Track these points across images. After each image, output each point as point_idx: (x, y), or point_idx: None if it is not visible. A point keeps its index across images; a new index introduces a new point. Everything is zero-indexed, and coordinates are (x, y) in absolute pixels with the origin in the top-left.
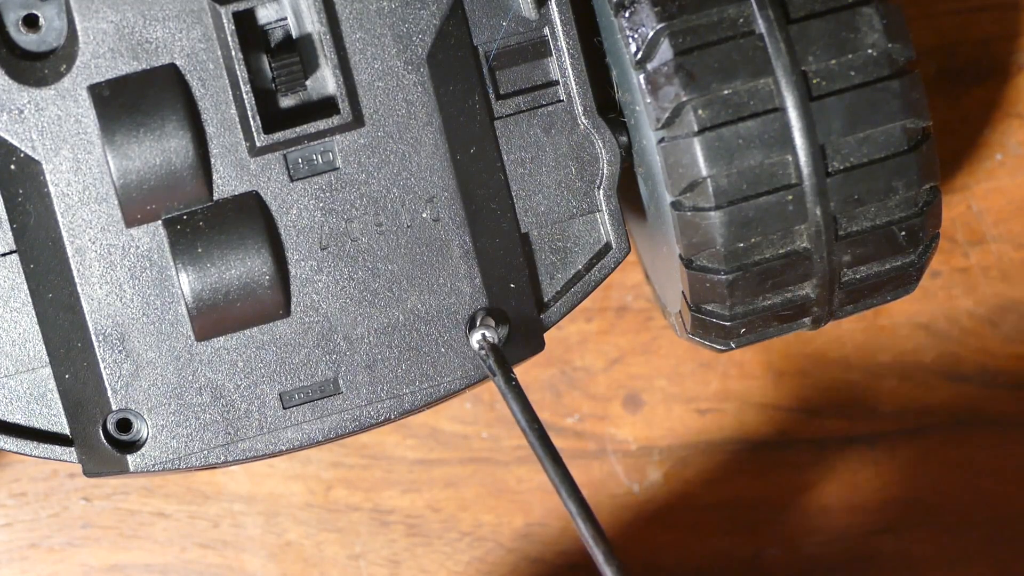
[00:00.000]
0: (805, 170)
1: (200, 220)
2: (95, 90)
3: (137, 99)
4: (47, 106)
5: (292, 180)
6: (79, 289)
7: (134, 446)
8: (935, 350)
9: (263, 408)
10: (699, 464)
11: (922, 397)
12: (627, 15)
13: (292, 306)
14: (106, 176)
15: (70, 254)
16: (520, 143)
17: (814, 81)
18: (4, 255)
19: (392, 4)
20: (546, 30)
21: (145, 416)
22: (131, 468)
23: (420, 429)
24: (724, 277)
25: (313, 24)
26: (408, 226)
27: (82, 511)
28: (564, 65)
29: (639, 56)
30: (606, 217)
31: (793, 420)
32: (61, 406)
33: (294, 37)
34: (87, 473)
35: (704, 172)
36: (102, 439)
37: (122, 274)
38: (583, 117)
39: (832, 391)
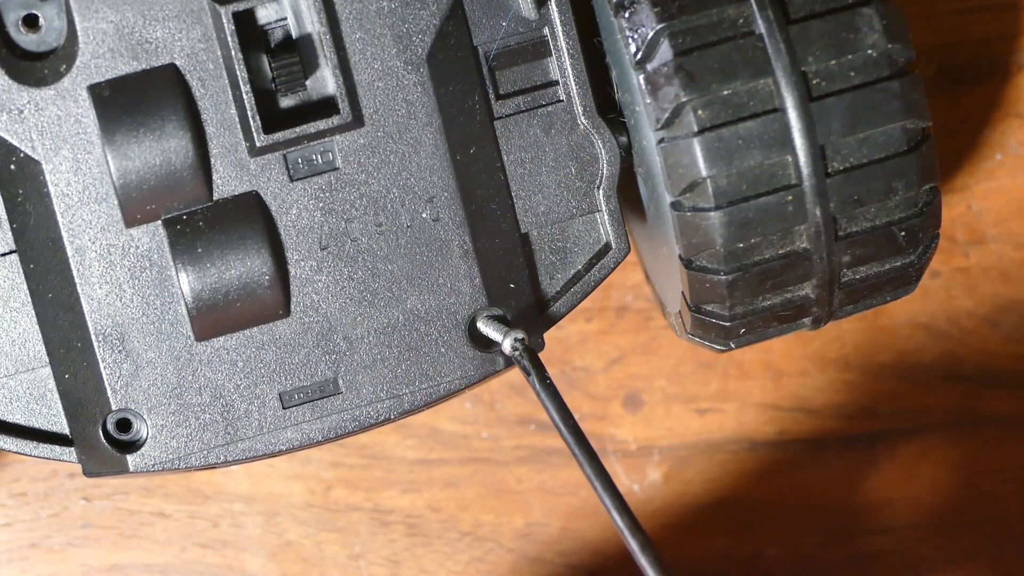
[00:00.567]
0: (805, 171)
1: (200, 220)
2: (95, 90)
3: (137, 99)
4: (47, 106)
5: (292, 180)
6: (79, 289)
7: (134, 446)
8: (935, 350)
9: (263, 408)
10: (699, 464)
11: (922, 397)
12: (627, 15)
13: (292, 306)
14: (106, 176)
15: (70, 254)
16: (520, 143)
17: (814, 82)
18: (4, 255)
19: (392, 4)
20: (546, 30)
21: (145, 416)
22: (131, 468)
23: (420, 429)
24: (724, 277)
25: (313, 24)
26: (408, 226)
27: (82, 511)
28: (564, 65)
29: (639, 56)
30: (606, 217)
31: (793, 420)
32: (61, 406)
33: (294, 37)
34: (87, 473)
35: (704, 172)
36: (102, 439)
37: (122, 274)
38: (583, 117)
39: (832, 391)
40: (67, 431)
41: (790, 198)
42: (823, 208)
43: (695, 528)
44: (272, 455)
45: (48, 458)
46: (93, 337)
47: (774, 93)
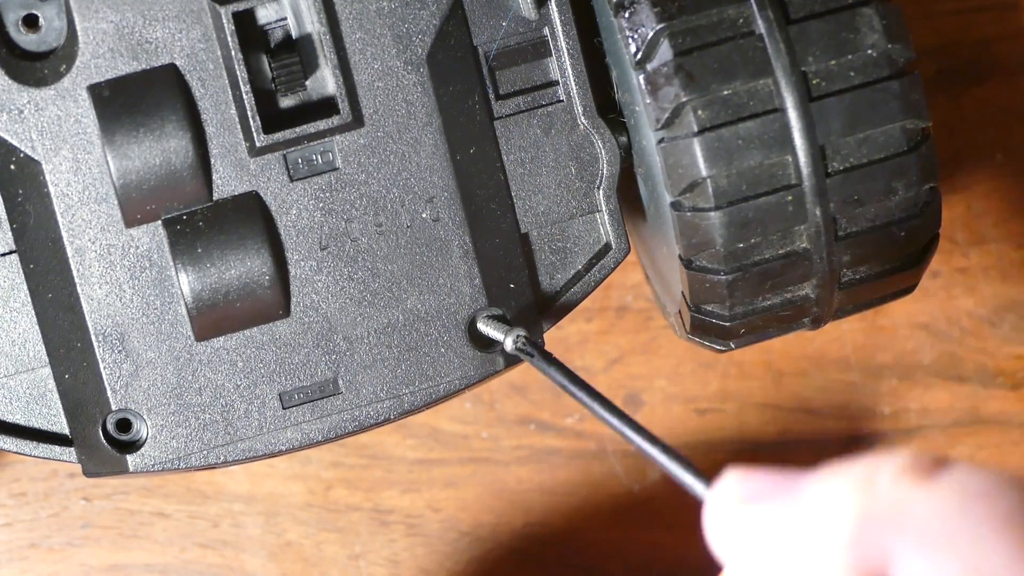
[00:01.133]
0: (805, 171)
1: (200, 220)
2: (95, 90)
3: (137, 99)
4: (47, 106)
5: (292, 180)
6: (79, 289)
7: (134, 446)
8: (935, 350)
9: (263, 408)
10: (699, 464)
11: (922, 397)
12: (627, 15)
13: (292, 306)
14: (106, 176)
15: (70, 254)
16: (520, 143)
17: (814, 82)
18: (4, 255)
19: (392, 4)
20: (546, 30)
21: (145, 416)
22: (131, 468)
23: (420, 429)
24: (724, 277)
25: (313, 24)
26: (408, 226)
27: (82, 511)
28: (564, 65)
29: (639, 56)
30: (606, 217)
31: (793, 420)
32: (61, 406)
33: (294, 37)
34: (87, 473)
35: (704, 172)
36: (102, 439)
37: (122, 274)
38: (583, 117)
39: (832, 391)
40: (67, 431)
41: (790, 198)
42: (823, 208)
43: (695, 528)
44: (272, 455)
45: (48, 458)
46: (93, 337)
47: (774, 93)
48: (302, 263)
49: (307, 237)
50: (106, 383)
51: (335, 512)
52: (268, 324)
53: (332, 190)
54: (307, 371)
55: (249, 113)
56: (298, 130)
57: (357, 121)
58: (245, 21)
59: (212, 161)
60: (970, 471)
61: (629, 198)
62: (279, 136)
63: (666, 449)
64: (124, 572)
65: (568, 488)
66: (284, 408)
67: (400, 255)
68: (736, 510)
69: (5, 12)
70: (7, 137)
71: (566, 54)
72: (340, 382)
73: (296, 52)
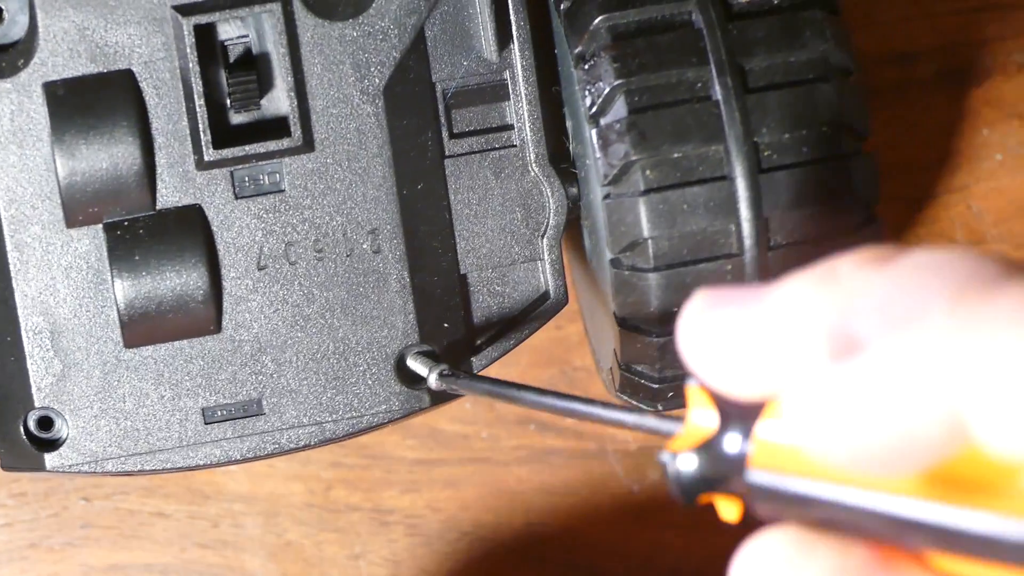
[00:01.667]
0: (747, 242)
1: (141, 228)
2: (50, 88)
3: (90, 101)
4: (1, 99)
5: (237, 198)
6: (14, 283)
7: (53, 445)
8: None
9: (184, 421)
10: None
11: None
12: (586, 67)
13: (224, 323)
14: (52, 175)
15: (8, 248)
16: (469, 184)
17: (765, 153)
18: None
19: (354, 33)
20: (506, 74)
21: (67, 416)
22: (47, 467)
23: (420, 429)
24: (656, 340)
25: (274, 45)
26: (347, 255)
27: (82, 511)
28: (521, 111)
29: (593, 110)
30: (547, 266)
31: None
32: None
33: (253, 54)
34: (4, 467)
35: (646, 233)
36: (22, 435)
37: (58, 273)
38: (534, 165)
39: None
40: None
41: (730, 267)
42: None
43: (695, 528)
44: (189, 469)
45: None
46: (23, 333)
47: (724, 161)
48: (238, 281)
49: (246, 256)
50: (32, 380)
51: (335, 512)
52: (198, 338)
53: (276, 211)
54: (232, 389)
55: (200, 126)
56: (248, 148)
57: (307, 145)
58: (206, 34)
59: (159, 171)
60: (925, 250)
61: (576, 250)
62: (228, 152)
63: (625, 409)
64: (124, 572)
65: (568, 488)
66: (206, 423)
67: (337, 283)
68: (706, 316)
69: None
70: None
71: (524, 100)
72: (264, 403)
73: (254, 70)
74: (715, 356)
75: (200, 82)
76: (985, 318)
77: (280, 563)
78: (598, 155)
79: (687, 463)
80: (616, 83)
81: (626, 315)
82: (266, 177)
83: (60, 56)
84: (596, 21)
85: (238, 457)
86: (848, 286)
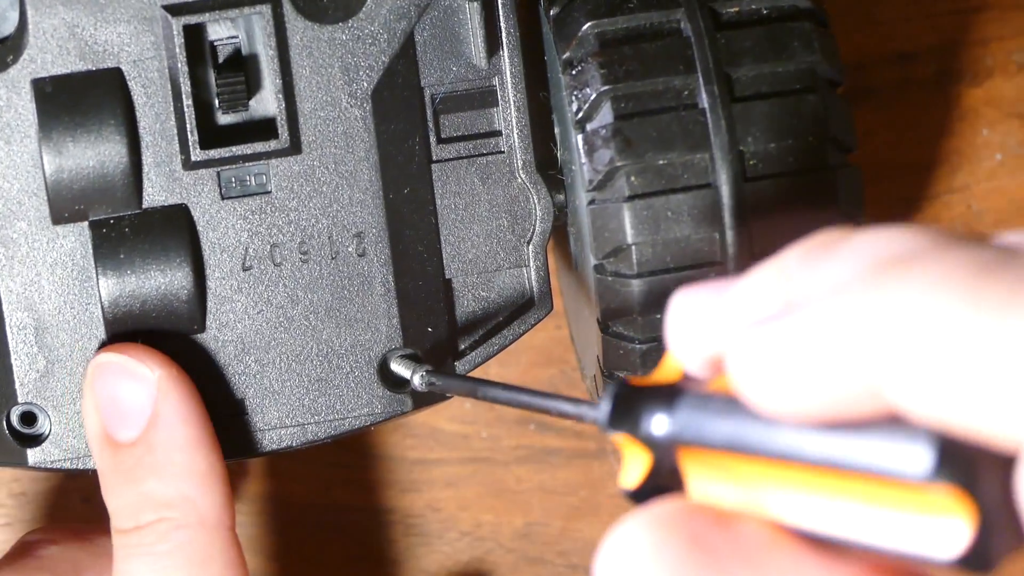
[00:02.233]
0: (731, 250)
1: (126, 227)
2: (38, 84)
3: (78, 99)
4: None
5: (223, 198)
6: None
7: (36, 440)
8: None
9: None
10: None
11: None
12: (573, 73)
13: (208, 322)
14: (38, 171)
15: None
16: (455, 189)
17: (751, 162)
18: None
19: (343, 36)
20: (495, 80)
21: (50, 412)
22: (30, 462)
23: (420, 429)
24: (638, 347)
25: (263, 46)
26: (332, 258)
27: (82, 511)
28: (509, 117)
29: (579, 116)
30: (532, 273)
31: None
32: None
33: (243, 55)
34: None
35: (630, 239)
36: (4, 430)
37: (43, 270)
38: (521, 171)
39: None
40: None
41: (713, 275)
42: None
43: None
44: None
45: None
46: (7, 328)
47: (709, 169)
48: (223, 281)
49: (231, 256)
50: (15, 375)
51: (335, 512)
52: (183, 337)
53: (261, 213)
54: (215, 388)
55: (188, 126)
56: (235, 149)
57: (295, 147)
58: (195, 35)
59: (145, 170)
60: (869, 231)
61: (562, 256)
62: (215, 153)
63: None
64: None
65: (568, 488)
66: None
67: (321, 286)
68: (682, 309)
69: None
70: None
71: (512, 106)
72: (247, 403)
73: (242, 71)
74: (684, 328)
75: (188, 82)
76: (896, 284)
77: (280, 563)
78: (583, 161)
79: (616, 388)
80: (603, 89)
81: (609, 321)
82: (253, 178)
83: (49, 53)
84: (584, 27)
85: None
86: (796, 274)
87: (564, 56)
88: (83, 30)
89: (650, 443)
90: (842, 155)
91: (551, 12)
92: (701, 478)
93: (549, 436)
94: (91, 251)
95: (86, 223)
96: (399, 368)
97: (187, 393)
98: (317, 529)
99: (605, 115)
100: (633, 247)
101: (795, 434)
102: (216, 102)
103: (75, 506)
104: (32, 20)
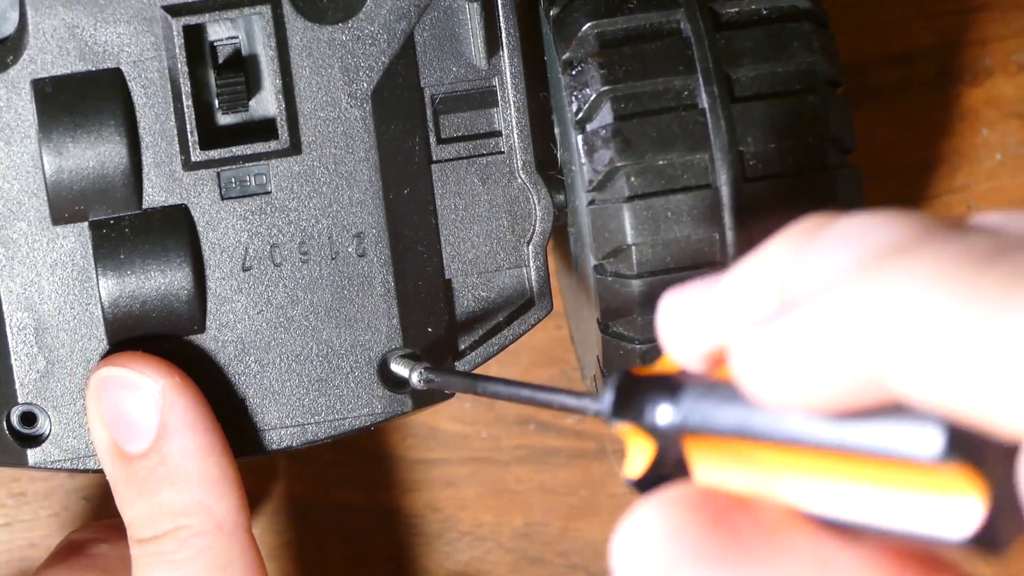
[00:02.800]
0: (731, 250)
1: (126, 227)
2: (38, 85)
3: (78, 99)
4: None
5: (223, 199)
6: None
7: (36, 440)
8: None
9: None
10: None
11: None
12: (573, 74)
13: (208, 323)
14: (38, 172)
15: None
16: (455, 190)
17: (750, 163)
18: None
19: (343, 37)
20: (495, 80)
21: (50, 413)
22: (30, 462)
23: (420, 429)
24: (638, 347)
25: (263, 47)
26: (332, 258)
27: (82, 511)
28: (509, 117)
29: (579, 116)
30: (532, 273)
31: None
32: None
33: (243, 56)
34: None
35: (630, 239)
36: (4, 430)
37: (43, 270)
38: (521, 171)
39: None
40: None
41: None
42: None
43: None
44: None
45: None
46: (7, 329)
47: (709, 169)
48: (222, 281)
49: (231, 256)
50: (15, 375)
51: (335, 512)
52: (183, 338)
53: (261, 213)
54: (215, 388)
55: (188, 127)
56: (235, 150)
57: (295, 148)
58: (195, 35)
59: (145, 170)
60: (853, 217)
61: (562, 256)
62: (215, 153)
63: (588, 396)
64: None
65: (568, 488)
66: None
67: (321, 286)
68: (673, 311)
69: None
70: None
71: (512, 107)
72: (247, 404)
73: (242, 71)
74: (678, 329)
75: (188, 82)
76: (892, 278)
77: (280, 563)
78: (583, 161)
79: (626, 378)
80: (602, 89)
81: (609, 321)
82: (252, 179)
83: (49, 53)
84: (584, 28)
85: None
86: (783, 260)
87: (564, 56)
88: (83, 31)
89: (655, 432)
90: (842, 155)
91: (551, 12)
92: (707, 466)
93: (549, 436)
94: (91, 251)
95: (86, 223)
96: (399, 368)
97: (193, 400)
98: (317, 529)
99: (605, 115)
100: (633, 247)
101: (804, 419)
102: (216, 102)
103: (75, 506)
104: (32, 21)
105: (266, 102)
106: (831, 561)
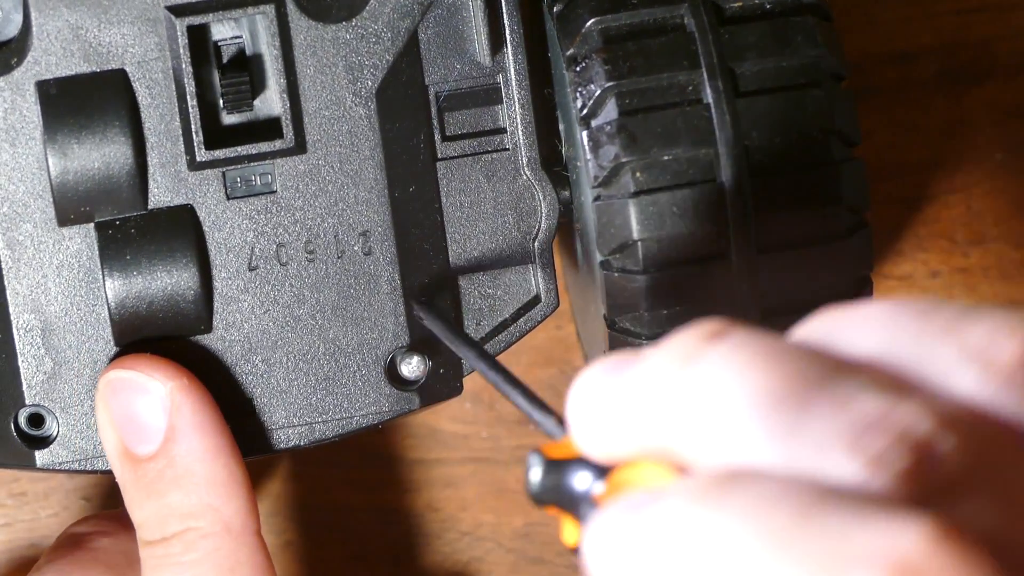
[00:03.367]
0: (736, 245)
1: (132, 228)
2: (43, 87)
3: (83, 101)
4: None
5: (228, 198)
6: (5, 281)
7: (44, 442)
8: None
9: None
10: None
11: None
12: (578, 70)
13: (214, 323)
14: (44, 173)
15: (0, 246)
16: (460, 187)
17: (755, 157)
18: None
19: (347, 35)
20: (499, 78)
21: (57, 414)
22: (38, 463)
23: (420, 429)
24: (645, 342)
25: (267, 46)
26: (338, 257)
27: (82, 511)
28: (513, 115)
29: (584, 112)
30: (538, 270)
31: None
32: None
33: (247, 55)
34: None
35: (636, 235)
36: (12, 431)
37: (49, 272)
38: (526, 168)
39: None
40: None
41: (718, 271)
42: (751, 285)
43: None
44: None
45: None
46: (14, 330)
47: (714, 164)
48: (229, 281)
49: (237, 256)
50: (23, 377)
51: (335, 512)
52: (189, 338)
53: (267, 212)
54: (222, 388)
55: (193, 127)
56: (240, 149)
57: (300, 147)
58: (199, 35)
59: (151, 170)
60: (740, 339)
61: (568, 253)
62: (220, 153)
63: (535, 400)
64: None
65: None
66: None
67: (328, 285)
68: (584, 384)
69: None
70: None
71: (517, 104)
72: (254, 403)
73: (247, 71)
74: (588, 414)
75: (193, 82)
76: (686, 377)
77: (280, 563)
78: (588, 157)
79: (536, 474)
80: (607, 85)
81: (616, 318)
82: (258, 178)
83: (53, 55)
84: (588, 24)
85: None
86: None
87: (568, 52)
88: (87, 32)
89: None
90: (847, 149)
91: (555, 8)
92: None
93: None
94: (97, 252)
95: (92, 224)
96: (406, 367)
97: (201, 402)
98: (317, 529)
99: (610, 111)
100: (639, 243)
101: None
102: (221, 102)
103: (75, 506)
104: (36, 22)
105: (271, 101)
106: None
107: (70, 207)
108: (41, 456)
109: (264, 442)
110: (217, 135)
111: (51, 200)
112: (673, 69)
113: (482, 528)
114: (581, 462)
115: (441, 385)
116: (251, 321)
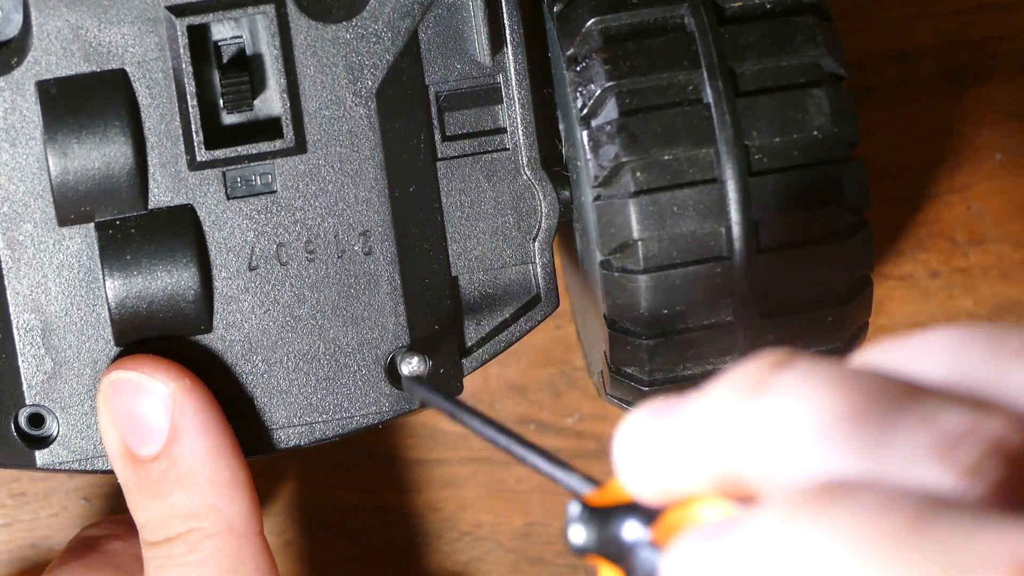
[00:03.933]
0: (737, 244)
1: (132, 228)
2: (43, 87)
3: (83, 101)
4: None
5: (228, 198)
6: (5, 281)
7: (44, 442)
8: None
9: None
10: None
11: None
12: (578, 69)
13: (215, 323)
14: (44, 173)
15: (0, 246)
16: (460, 187)
17: (755, 157)
18: None
19: (347, 35)
20: (500, 77)
21: (57, 414)
22: (38, 463)
23: (420, 429)
24: (646, 342)
25: (267, 46)
26: (339, 257)
27: (82, 511)
28: (513, 115)
29: (584, 112)
30: (538, 270)
31: None
32: None
33: (247, 55)
34: None
35: (636, 235)
36: (12, 431)
37: (49, 271)
38: (526, 168)
39: None
40: None
41: (719, 270)
42: (751, 284)
43: None
44: None
45: None
46: (14, 330)
47: (714, 164)
48: (229, 281)
49: (237, 256)
50: (23, 377)
51: (335, 512)
52: (190, 338)
53: (267, 212)
54: (223, 388)
55: (193, 127)
56: (240, 149)
57: (300, 147)
58: (199, 35)
59: (151, 170)
60: (804, 371)
61: (568, 253)
62: (220, 153)
63: (556, 461)
64: None
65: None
66: None
67: (328, 285)
68: (632, 428)
69: None
70: None
71: (517, 104)
72: (255, 403)
73: (247, 71)
74: (635, 457)
75: (193, 82)
76: (755, 407)
77: (280, 563)
78: (589, 157)
79: (578, 525)
80: (607, 85)
81: (616, 317)
82: (258, 178)
83: (54, 55)
84: (588, 23)
85: None
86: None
87: (568, 52)
88: (87, 32)
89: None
90: (847, 148)
91: (555, 8)
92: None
93: (549, 436)
94: (97, 252)
95: (92, 224)
96: (406, 367)
97: (204, 403)
98: (317, 529)
99: (610, 111)
100: (639, 243)
101: None
102: (221, 102)
103: (75, 506)
104: (36, 22)
105: (271, 101)
106: None
107: (70, 207)
108: (41, 456)
109: (264, 442)
110: (217, 135)
111: (51, 200)
112: (673, 69)
113: (482, 528)
114: (629, 507)
115: (441, 385)
116: (251, 321)
